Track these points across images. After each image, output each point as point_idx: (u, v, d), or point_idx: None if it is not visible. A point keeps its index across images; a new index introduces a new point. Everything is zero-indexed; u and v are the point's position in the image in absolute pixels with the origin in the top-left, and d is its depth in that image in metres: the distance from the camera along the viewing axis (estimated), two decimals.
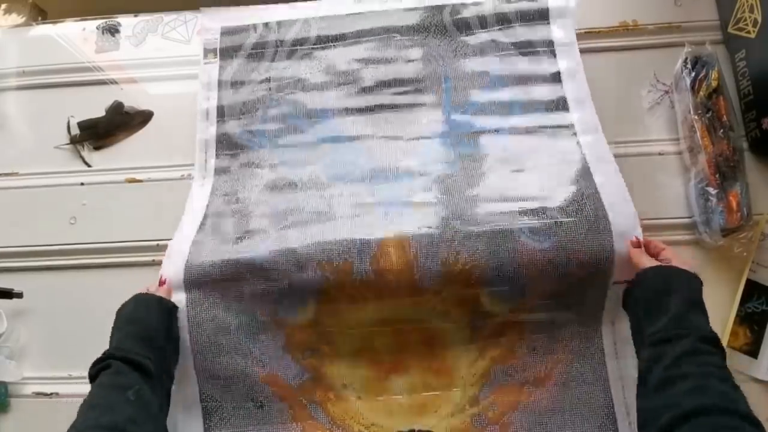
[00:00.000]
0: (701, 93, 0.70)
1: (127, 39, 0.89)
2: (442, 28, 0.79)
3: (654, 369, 0.47)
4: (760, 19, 0.70)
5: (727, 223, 0.65)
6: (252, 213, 0.70)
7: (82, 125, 0.83)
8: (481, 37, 0.78)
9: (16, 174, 0.83)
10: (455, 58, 0.78)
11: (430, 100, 0.76)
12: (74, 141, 0.83)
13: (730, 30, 0.76)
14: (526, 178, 0.68)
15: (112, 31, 0.89)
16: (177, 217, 0.75)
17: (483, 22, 0.79)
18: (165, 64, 0.86)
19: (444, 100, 0.76)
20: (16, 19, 0.94)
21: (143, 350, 0.55)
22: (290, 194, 0.71)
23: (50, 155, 0.83)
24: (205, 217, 0.71)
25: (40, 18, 0.95)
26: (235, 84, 0.80)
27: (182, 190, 0.77)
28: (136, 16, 0.90)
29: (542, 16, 0.78)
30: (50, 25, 0.92)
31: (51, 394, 0.72)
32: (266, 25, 0.82)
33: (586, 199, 0.64)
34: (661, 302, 0.51)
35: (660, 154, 0.74)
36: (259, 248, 0.65)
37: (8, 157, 0.84)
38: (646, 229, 0.71)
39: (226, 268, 0.64)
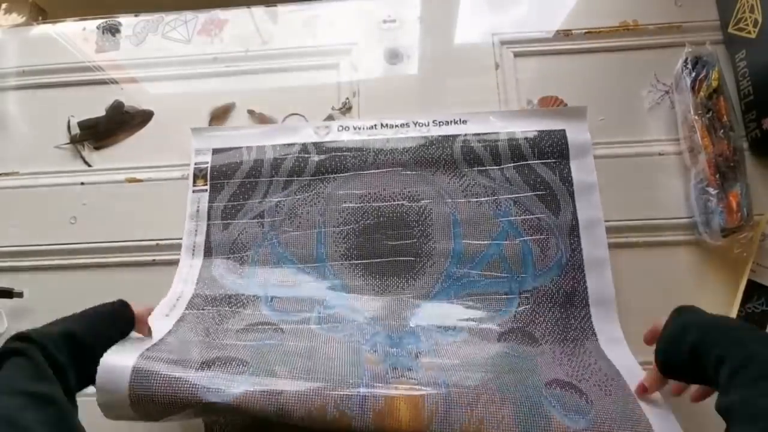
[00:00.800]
0: (701, 93, 0.70)
1: (128, 39, 0.89)
2: (451, 163, 0.72)
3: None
4: (760, 20, 0.70)
5: (727, 224, 0.65)
6: (225, 343, 0.61)
7: (82, 125, 0.83)
8: (494, 174, 0.71)
9: (17, 173, 0.83)
10: (465, 198, 0.71)
11: (439, 249, 0.69)
12: (74, 141, 0.83)
13: (730, 30, 0.76)
14: (547, 349, 0.62)
15: (113, 30, 0.89)
16: (177, 216, 0.75)
17: (496, 158, 0.72)
18: (165, 64, 0.86)
19: (453, 251, 0.69)
20: (16, 18, 0.94)
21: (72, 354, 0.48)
22: (275, 335, 0.63)
23: (50, 155, 0.83)
24: (169, 333, 0.61)
25: (40, 18, 0.95)
26: (226, 217, 0.74)
27: (182, 189, 0.77)
28: (136, 15, 0.90)
29: (561, 153, 0.71)
30: (50, 25, 0.92)
31: None
32: (261, 149, 0.76)
33: (612, 380, 0.57)
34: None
35: (660, 154, 0.74)
36: (229, 386, 0.52)
37: (8, 157, 0.84)
38: (645, 229, 0.71)
39: (179, 392, 0.52)
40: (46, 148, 0.83)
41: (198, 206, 0.75)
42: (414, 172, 0.73)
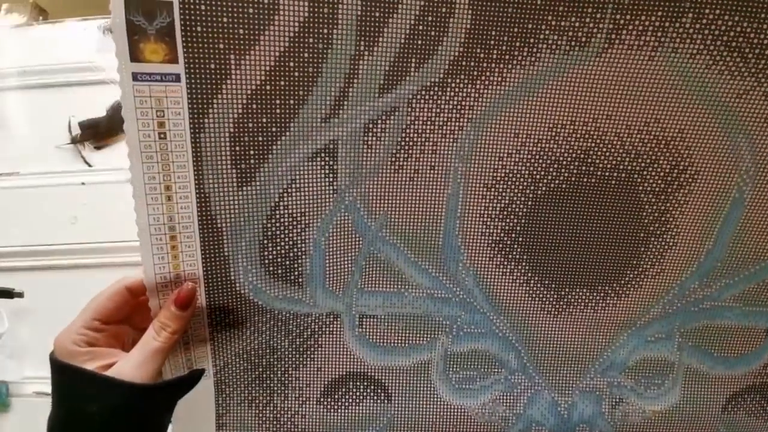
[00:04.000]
0: None
1: None
2: None
3: None
4: None
5: None
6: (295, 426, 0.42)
7: (83, 125, 0.83)
8: None
9: (17, 173, 0.83)
10: None
11: (683, 249, 0.40)
12: (75, 141, 0.83)
13: None
14: None
15: None
16: None
17: None
18: None
19: (705, 256, 0.40)
20: (17, 18, 0.94)
21: None
22: (376, 404, 0.42)
23: (51, 155, 0.83)
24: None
25: (41, 18, 0.95)
26: (243, 155, 0.35)
27: None
28: None
29: None
30: (51, 25, 0.92)
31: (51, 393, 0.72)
32: None
33: None
34: None
35: None
36: None
37: (9, 157, 0.84)
38: None
39: None
40: (47, 148, 0.83)
41: (159, 123, 0.32)
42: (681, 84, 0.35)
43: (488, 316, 0.41)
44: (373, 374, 0.41)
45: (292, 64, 0.32)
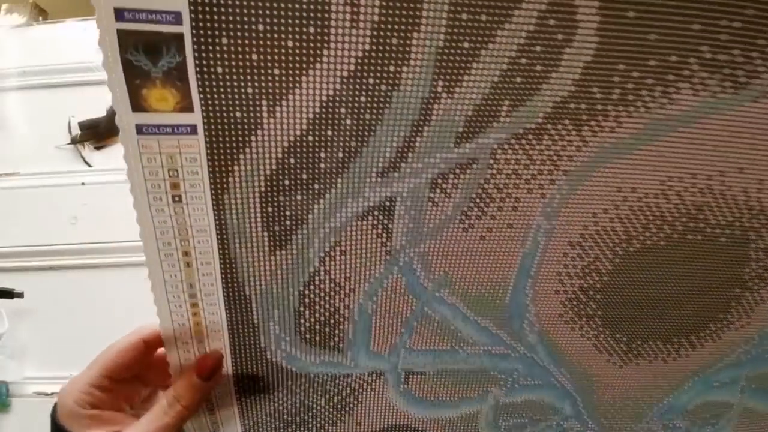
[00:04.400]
0: None
1: None
2: None
3: None
4: None
5: None
6: None
7: (83, 125, 0.83)
8: None
9: (17, 174, 0.83)
10: None
11: None
12: (75, 141, 0.83)
13: None
14: None
15: None
16: None
17: None
18: None
19: None
20: (17, 19, 0.94)
21: None
22: None
23: (51, 155, 0.83)
24: None
25: (41, 18, 0.95)
26: (273, 188, 0.30)
27: None
28: None
29: None
30: (51, 25, 0.92)
31: (52, 393, 0.72)
32: None
33: None
34: None
35: None
36: None
37: (9, 157, 0.84)
38: None
39: None
40: (47, 148, 0.83)
41: (173, 184, 0.27)
42: None
43: (548, 369, 0.38)
44: (416, 426, 0.38)
45: (343, 110, 0.25)
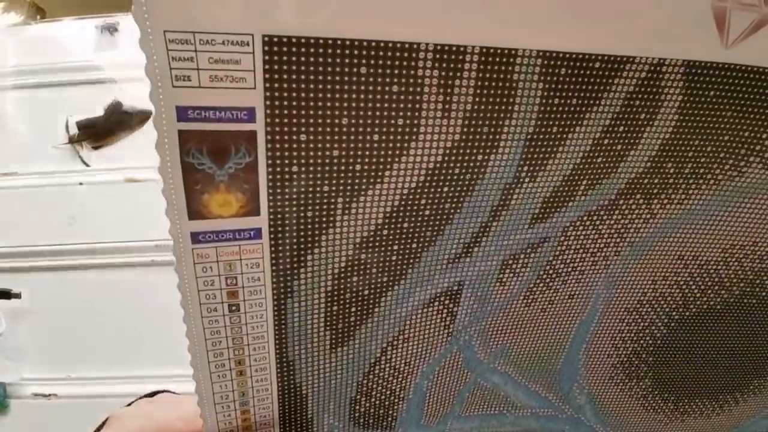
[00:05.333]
0: None
1: (126, 38, 0.88)
2: None
3: None
4: None
5: None
6: None
7: (80, 125, 0.83)
8: None
9: (15, 174, 0.82)
10: None
11: None
12: (73, 140, 0.83)
13: None
14: None
15: (111, 29, 0.89)
16: None
17: None
18: None
19: None
20: (14, 17, 0.93)
21: None
22: None
23: (49, 155, 0.83)
24: None
25: (38, 17, 0.95)
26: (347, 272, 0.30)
27: None
28: None
29: None
30: (49, 24, 0.91)
31: (49, 395, 0.72)
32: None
33: None
34: None
35: None
36: None
37: (7, 157, 0.83)
38: None
39: None
40: (45, 148, 0.83)
41: (230, 293, 0.24)
42: None
43: (594, 427, 0.38)
44: None
45: (423, 201, 0.24)
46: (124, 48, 0.88)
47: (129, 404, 0.33)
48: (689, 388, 0.37)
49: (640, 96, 0.23)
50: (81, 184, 0.81)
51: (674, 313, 0.33)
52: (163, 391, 0.35)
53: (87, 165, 0.82)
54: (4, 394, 0.71)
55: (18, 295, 0.73)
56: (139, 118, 0.83)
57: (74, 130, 0.83)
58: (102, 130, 0.83)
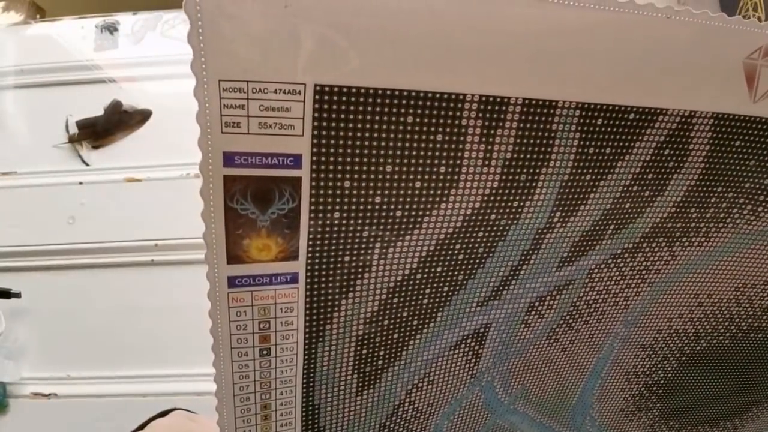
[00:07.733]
0: None
1: (126, 37, 0.88)
2: None
3: None
4: (763, 17, 0.70)
5: None
6: None
7: (80, 124, 0.83)
8: None
9: (15, 173, 0.82)
10: None
11: None
12: (73, 140, 0.82)
13: None
14: None
15: (111, 29, 0.89)
16: (176, 216, 0.74)
17: None
18: (164, 63, 0.86)
19: None
20: (14, 17, 0.93)
21: None
22: None
23: (48, 154, 0.82)
24: None
25: (38, 16, 0.95)
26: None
27: (181, 189, 0.76)
28: (135, 14, 0.90)
29: None
30: (48, 24, 0.91)
31: (49, 394, 0.72)
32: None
33: None
34: None
35: None
36: None
37: (6, 157, 0.83)
38: None
39: None
40: (45, 147, 0.83)
41: (262, 338, 0.24)
42: None
43: None
44: None
45: (458, 246, 0.24)
46: (123, 47, 0.87)
47: (142, 426, 0.32)
48: (693, 416, 0.39)
49: (670, 145, 0.24)
50: (81, 183, 0.81)
51: (686, 348, 0.34)
52: (175, 409, 0.35)
53: (87, 165, 0.82)
54: (3, 394, 0.71)
55: (18, 295, 0.73)
56: (139, 117, 0.83)
57: (74, 130, 0.83)
58: (102, 129, 0.83)
